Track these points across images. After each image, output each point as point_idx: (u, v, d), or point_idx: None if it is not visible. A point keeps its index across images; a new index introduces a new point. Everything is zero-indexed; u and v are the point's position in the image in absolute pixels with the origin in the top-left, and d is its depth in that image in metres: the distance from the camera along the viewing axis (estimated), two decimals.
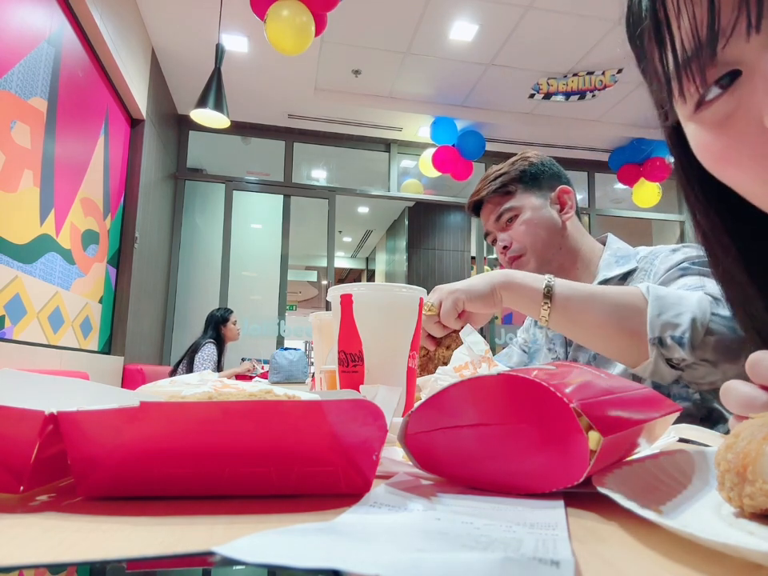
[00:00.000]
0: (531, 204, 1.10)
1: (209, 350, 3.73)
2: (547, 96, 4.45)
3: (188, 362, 3.73)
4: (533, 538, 0.23)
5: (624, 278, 1.00)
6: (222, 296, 5.00)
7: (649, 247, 1.04)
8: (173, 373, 3.82)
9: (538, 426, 0.31)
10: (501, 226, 1.12)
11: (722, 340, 0.67)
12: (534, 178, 1.11)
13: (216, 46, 3.18)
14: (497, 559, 0.19)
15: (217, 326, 3.89)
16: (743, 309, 0.45)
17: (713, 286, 0.77)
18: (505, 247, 1.11)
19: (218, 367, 3.83)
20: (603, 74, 4.52)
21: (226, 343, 3.99)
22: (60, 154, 2.69)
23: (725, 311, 0.68)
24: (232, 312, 4.03)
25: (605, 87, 4.57)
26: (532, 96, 4.41)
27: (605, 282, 1.01)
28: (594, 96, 4.63)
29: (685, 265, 0.87)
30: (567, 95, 4.53)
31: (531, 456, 0.31)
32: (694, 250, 0.90)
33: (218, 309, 4.10)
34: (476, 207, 1.18)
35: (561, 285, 0.77)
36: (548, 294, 0.75)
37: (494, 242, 1.16)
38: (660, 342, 0.69)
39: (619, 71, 4.52)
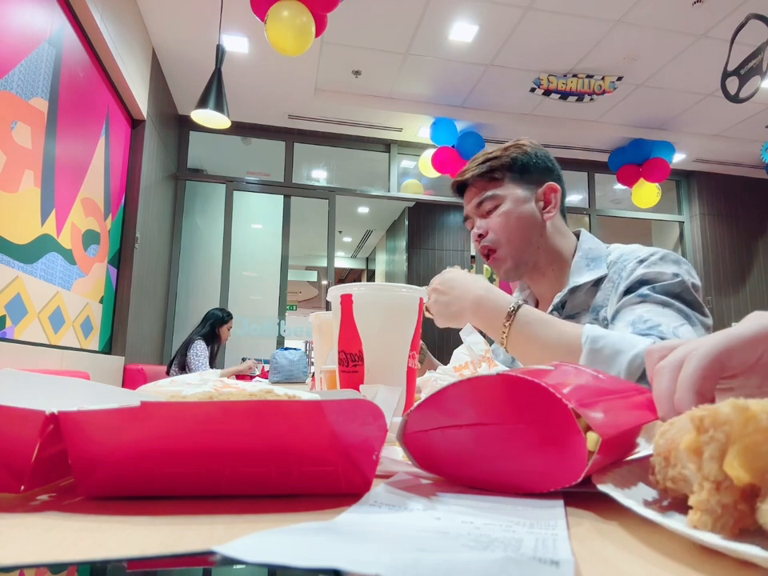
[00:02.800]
0: (515, 196, 1.04)
1: (200, 347, 3.73)
2: (547, 92, 4.45)
3: (180, 358, 3.73)
4: (533, 537, 0.23)
5: (596, 284, 0.98)
6: (223, 296, 5.00)
7: (620, 248, 1.02)
8: (167, 370, 3.82)
9: (537, 426, 0.31)
10: (481, 212, 1.07)
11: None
12: (524, 169, 1.06)
13: (216, 46, 3.19)
14: (497, 559, 0.19)
15: (214, 326, 3.90)
16: None
17: (669, 322, 0.79)
18: (480, 235, 1.07)
19: (211, 364, 3.83)
20: (603, 79, 4.52)
21: (220, 343, 4.00)
22: (61, 154, 2.69)
23: None
24: (232, 317, 4.04)
25: (603, 92, 4.58)
26: (533, 90, 4.41)
27: (576, 288, 0.99)
28: (591, 100, 4.63)
29: (645, 291, 0.86)
30: (565, 95, 4.53)
31: (529, 456, 0.31)
32: (658, 266, 0.88)
33: (221, 309, 4.09)
34: (460, 188, 1.13)
35: (524, 310, 0.83)
36: (512, 313, 0.82)
37: (473, 227, 1.11)
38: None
39: (619, 79, 4.52)
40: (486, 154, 1.09)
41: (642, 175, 5.33)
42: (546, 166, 1.08)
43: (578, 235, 1.10)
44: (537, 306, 1.15)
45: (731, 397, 0.26)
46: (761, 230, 6.18)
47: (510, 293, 1.03)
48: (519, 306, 0.83)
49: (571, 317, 1.00)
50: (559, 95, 4.49)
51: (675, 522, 0.23)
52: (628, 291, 0.89)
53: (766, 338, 0.27)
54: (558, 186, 1.06)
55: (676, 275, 0.87)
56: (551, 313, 1.01)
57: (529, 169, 1.06)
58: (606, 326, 0.92)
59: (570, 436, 0.29)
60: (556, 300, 1.01)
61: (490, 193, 1.05)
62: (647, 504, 0.26)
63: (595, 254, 1.02)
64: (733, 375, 0.28)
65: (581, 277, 1.00)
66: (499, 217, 1.04)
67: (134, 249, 3.79)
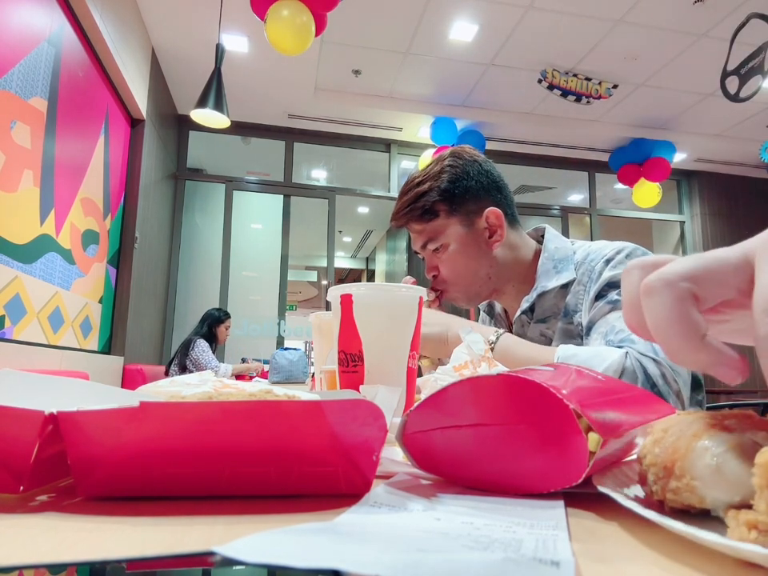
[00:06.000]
0: (456, 235, 0.98)
1: (204, 345, 3.74)
2: (551, 87, 4.45)
3: (180, 360, 3.73)
4: (533, 538, 0.23)
5: (564, 286, 0.95)
6: (222, 296, 5.00)
7: (584, 246, 0.98)
8: (167, 371, 3.83)
9: (537, 426, 0.31)
10: (427, 252, 1.02)
11: None
12: (459, 198, 0.97)
13: (216, 45, 3.19)
14: (497, 559, 0.19)
15: (211, 325, 3.91)
16: None
17: None
18: (433, 276, 1.03)
19: None
20: (600, 84, 4.53)
21: (218, 343, 4.01)
22: (60, 153, 2.69)
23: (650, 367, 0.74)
24: (229, 317, 4.04)
25: (599, 97, 4.58)
26: (540, 81, 4.42)
27: (543, 294, 0.96)
28: (588, 102, 4.63)
29: (615, 297, 0.85)
30: (566, 93, 4.54)
31: (530, 456, 0.31)
32: (629, 262, 0.87)
33: (218, 309, 4.10)
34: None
35: (502, 342, 0.84)
36: (490, 348, 0.82)
37: (423, 258, 1.06)
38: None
39: (615, 86, 4.54)
40: (414, 188, 0.99)
41: (642, 175, 5.33)
42: (481, 185, 0.99)
43: (541, 233, 1.05)
44: (505, 313, 1.14)
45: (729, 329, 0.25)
46: (762, 230, 6.17)
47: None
48: (499, 337, 0.85)
49: (542, 321, 0.98)
50: (561, 92, 4.50)
51: (675, 523, 0.23)
52: (599, 296, 0.88)
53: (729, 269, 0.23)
54: (499, 210, 0.99)
55: None
56: (519, 317, 1.00)
57: (464, 196, 0.97)
58: (580, 332, 0.92)
59: (571, 436, 0.29)
60: (524, 305, 0.98)
61: (430, 234, 1.00)
62: (647, 505, 0.26)
63: (561, 254, 0.98)
64: (715, 310, 0.25)
65: (549, 281, 0.96)
66: (444, 263, 1.00)
67: (134, 249, 3.79)
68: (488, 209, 0.98)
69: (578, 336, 0.93)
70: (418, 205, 0.98)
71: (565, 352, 0.77)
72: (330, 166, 6.24)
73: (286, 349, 3.31)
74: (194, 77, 4.21)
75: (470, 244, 0.99)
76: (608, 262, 0.90)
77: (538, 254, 1.02)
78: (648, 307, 0.24)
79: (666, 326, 0.24)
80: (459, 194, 0.97)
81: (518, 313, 1.00)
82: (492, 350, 0.83)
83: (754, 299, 0.22)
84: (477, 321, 1.26)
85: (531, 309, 0.99)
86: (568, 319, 0.95)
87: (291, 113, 5.07)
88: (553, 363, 0.39)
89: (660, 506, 0.26)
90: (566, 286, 0.95)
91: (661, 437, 0.26)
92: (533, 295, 0.97)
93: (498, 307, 1.16)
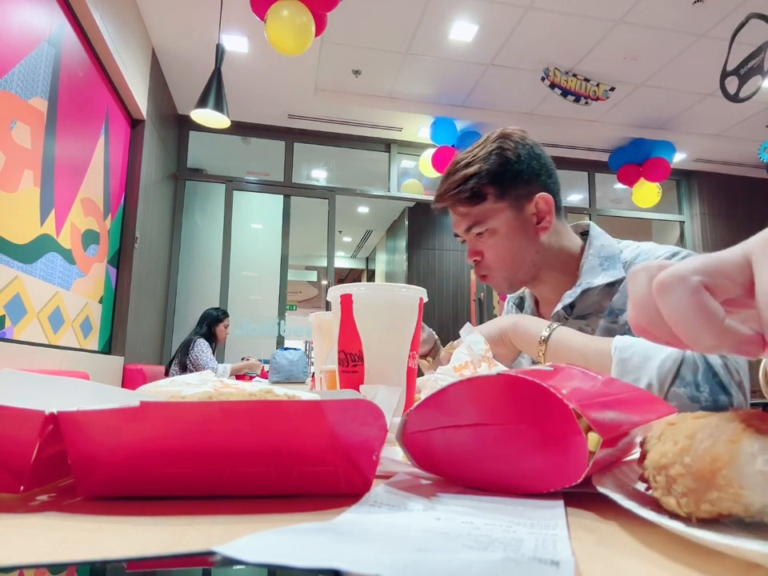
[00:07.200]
0: (503, 220, 0.95)
1: (203, 345, 3.74)
2: (552, 85, 4.45)
3: (181, 359, 3.73)
4: (533, 537, 0.23)
5: (610, 285, 0.93)
6: (222, 296, 5.00)
7: (633, 246, 0.97)
8: (167, 371, 3.83)
9: (537, 426, 0.31)
10: (470, 236, 0.99)
11: (680, 406, 0.68)
12: (510, 182, 0.94)
13: (216, 46, 3.18)
14: (497, 559, 0.19)
15: (210, 325, 3.91)
16: None
17: None
18: (475, 260, 1.01)
19: None
20: (598, 86, 4.54)
21: (218, 343, 4.01)
22: (60, 154, 2.69)
23: (691, 373, 0.69)
24: (228, 316, 4.05)
25: (597, 99, 4.59)
26: (542, 80, 4.42)
27: (587, 290, 0.94)
28: (587, 103, 4.64)
29: None
30: (565, 93, 4.54)
31: (530, 456, 0.31)
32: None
33: (216, 309, 4.10)
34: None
35: (557, 334, 0.83)
36: (545, 340, 0.82)
37: (464, 241, 1.04)
38: None
39: (612, 89, 4.54)
40: (462, 169, 0.96)
41: (642, 175, 5.33)
42: (532, 169, 0.95)
43: (585, 230, 1.04)
44: (536, 304, 1.12)
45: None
46: (761, 230, 6.17)
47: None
48: (553, 331, 0.83)
49: (581, 317, 0.96)
50: (561, 91, 4.50)
51: (674, 523, 0.23)
52: None
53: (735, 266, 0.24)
54: (550, 196, 0.96)
55: None
56: (557, 312, 0.98)
57: (514, 179, 0.94)
58: (626, 331, 0.89)
59: (571, 436, 0.29)
60: (566, 300, 0.96)
61: (477, 219, 0.96)
62: (646, 505, 0.26)
63: (608, 252, 0.96)
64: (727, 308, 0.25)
65: (594, 278, 0.94)
66: (489, 248, 0.97)
67: (134, 249, 3.79)
68: (538, 194, 0.95)
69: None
70: (466, 187, 0.94)
71: (622, 342, 0.74)
72: (329, 166, 6.24)
73: (286, 349, 3.31)
74: (194, 77, 4.20)
75: (517, 229, 0.96)
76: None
77: (581, 248, 1.00)
78: (665, 303, 0.25)
79: (688, 318, 0.24)
80: (509, 178, 0.94)
81: (558, 307, 0.97)
82: (547, 340, 0.82)
83: (756, 296, 0.22)
84: (503, 313, 1.23)
85: (571, 305, 0.96)
86: (612, 318, 0.93)
87: (291, 113, 5.06)
88: (553, 363, 0.39)
89: (659, 506, 0.26)
90: (611, 285, 0.93)
91: (688, 444, 0.24)
92: (576, 291, 0.94)
93: (528, 301, 1.13)
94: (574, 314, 0.97)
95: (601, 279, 0.93)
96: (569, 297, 0.96)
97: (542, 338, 0.82)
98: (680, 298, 0.24)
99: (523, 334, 0.86)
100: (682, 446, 0.25)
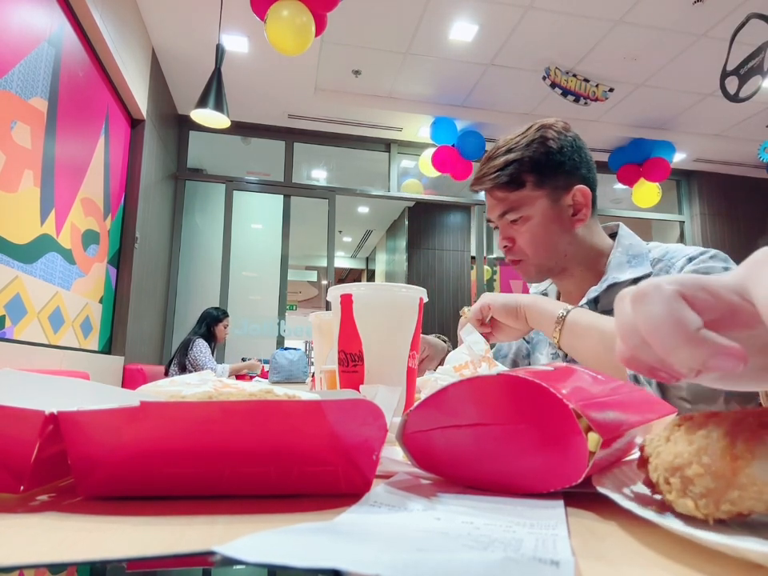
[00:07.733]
0: (540, 209, 0.96)
1: (203, 345, 3.74)
2: (553, 85, 4.45)
3: (180, 359, 3.73)
4: (533, 537, 0.23)
5: (636, 281, 0.92)
6: (222, 296, 5.00)
7: (662, 246, 0.97)
8: (166, 371, 3.83)
9: (537, 426, 0.31)
10: (504, 222, 0.99)
11: (693, 387, 0.68)
12: (550, 172, 0.94)
13: (216, 46, 3.18)
14: (497, 559, 0.19)
15: (210, 325, 3.91)
16: None
17: None
18: (506, 246, 1.01)
19: None
20: (597, 86, 4.54)
21: (218, 342, 4.01)
22: (60, 154, 2.69)
23: None
24: (227, 316, 4.04)
25: (596, 100, 4.59)
26: (544, 79, 4.42)
27: (614, 285, 0.94)
28: (586, 104, 4.64)
29: None
30: (565, 92, 4.54)
31: (530, 456, 0.31)
32: (708, 264, 0.84)
33: (216, 308, 4.10)
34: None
35: (575, 312, 0.82)
36: (561, 320, 0.81)
37: (496, 227, 1.04)
38: (635, 379, 0.75)
39: (611, 89, 4.54)
40: (503, 153, 0.96)
41: (642, 175, 5.33)
42: (573, 161, 0.96)
43: (614, 231, 1.04)
44: (558, 298, 1.10)
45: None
46: (762, 230, 6.18)
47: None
48: (570, 310, 0.83)
49: (606, 312, 0.95)
50: (561, 91, 4.50)
51: (674, 523, 0.23)
52: None
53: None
54: (589, 189, 0.97)
55: (727, 270, 0.84)
56: (582, 306, 0.96)
57: (555, 169, 0.95)
58: None
59: (571, 436, 0.29)
60: (591, 294, 0.96)
61: (514, 205, 0.97)
62: (646, 505, 0.26)
63: (636, 250, 0.97)
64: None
65: (622, 273, 0.94)
66: (524, 234, 0.98)
67: (134, 249, 3.79)
68: (577, 186, 0.96)
69: None
70: (506, 172, 0.94)
71: None
72: (329, 166, 6.24)
73: (286, 349, 3.31)
74: (194, 77, 4.20)
75: (552, 219, 0.96)
76: (691, 259, 0.87)
77: (610, 247, 1.01)
78: (640, 312, 0.25)
79: (658, 324, 0.24)
80: (550, 167, 0.94)
81: (583, 301, 0.97)
82: (564, 317, 0.81)
83: (760, 311, 0.22)
84: None
85: (596, 300, 0.96)
86: None
87: (291, 113, 5.06)
88: (553, 363, 0.39)
89: (661, 506, 0.26)
90: (637, 280, 0.92)
91: (705, 444, 0.24)
92: (602, 286, 0.95)
93: (551, 297, 1.13)
94: (598, 309, 0.96)
95: (628, 275, 0.93)
96: (594, 291, 0.96)
97: (560, 315, 0.82)
98: (653, 305, 0.24)
99: (542, 311, 0.85)
100: (699, 446, 0.24)
